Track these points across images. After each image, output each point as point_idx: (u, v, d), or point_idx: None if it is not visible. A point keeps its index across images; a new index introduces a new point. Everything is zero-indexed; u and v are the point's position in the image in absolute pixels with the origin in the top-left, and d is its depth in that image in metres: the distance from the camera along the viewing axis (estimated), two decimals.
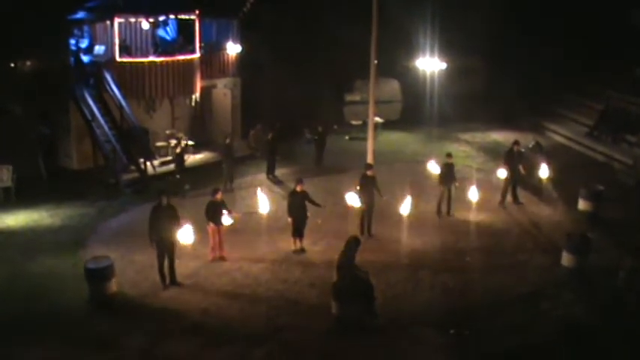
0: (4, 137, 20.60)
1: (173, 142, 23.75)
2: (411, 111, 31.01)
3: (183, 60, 23.95)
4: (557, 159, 24.15)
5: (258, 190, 17.60)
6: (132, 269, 15.23)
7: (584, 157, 25.83)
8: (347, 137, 28.64)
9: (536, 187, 20.63)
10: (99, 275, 13.76)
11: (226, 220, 15.45)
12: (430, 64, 26.07)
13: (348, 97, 30.64)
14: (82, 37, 24.00)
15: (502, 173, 19.57)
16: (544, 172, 19.86)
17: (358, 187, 17.14)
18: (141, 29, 24.34)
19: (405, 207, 17.33)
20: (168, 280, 14.43)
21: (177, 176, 20.86)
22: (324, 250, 16.15)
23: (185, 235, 14.47)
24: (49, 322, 12.92)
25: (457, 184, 19.09)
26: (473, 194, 18.93)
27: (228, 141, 21.82)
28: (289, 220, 16.22)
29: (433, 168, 19.43)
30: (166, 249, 14.27)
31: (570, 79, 31.37)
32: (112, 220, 18.89)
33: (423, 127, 29.72)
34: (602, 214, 18.44)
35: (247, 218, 17.94)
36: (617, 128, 25.91)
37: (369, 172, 17.28)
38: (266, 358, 11.77)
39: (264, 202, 16.67)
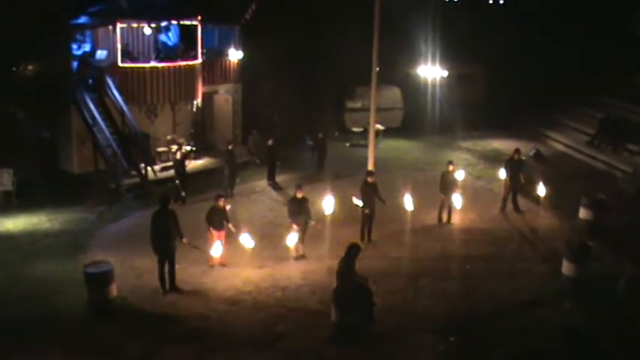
0: (5, 141, 20.61)
1: (174, 147, 23.77)
2: (412, 118, 31.04)
3: (184, 66, 24.00)
4: (558, 167, 24.19)
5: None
6: (132, 274, 15.20)
7: (585, 165, 25.81)
8: (348, 144, 28.65)
9: (535, 197, 20.54)
10: (98, 280, 13.72)
11: (247, 241, 15.80)
12: (431, 72, 26.13)
13: (349, 104, 30.67)
14: (85, 41, 24.05)
15: (502, 174, 19.75)
16: (541, 189, 19.84)
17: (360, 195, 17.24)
18: (143, 34, 24.38)
19: (409, 203, 17.90)
20: (168, 286, 14.38)
21: (177, 182, 20.86)
22: (325, 257, 16.11)
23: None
24: (47, 327, 12.88)
25: (460, 191, 19.08)
26: (456, 201, 19.10)
27: (230, 147, 21.84)
28: (293, 225, 16.17)
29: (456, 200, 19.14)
30: (167, 254, 14.24)
31: (571, 87, 31.41)
32: (112, 224, 18.89)
33: (424, 134, 29.74)
34: (602, 223, 18.39)
35: (247, 224, 17.90)
36: (618, 137, 25.92)
37: (370, 179, 17.27)
38: None
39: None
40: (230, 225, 15.87)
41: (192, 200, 20.37)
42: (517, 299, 14.24)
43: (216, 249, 15.26)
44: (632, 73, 29.36)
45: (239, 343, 12.37)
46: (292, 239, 16.01)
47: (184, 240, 14.54)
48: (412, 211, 18.36)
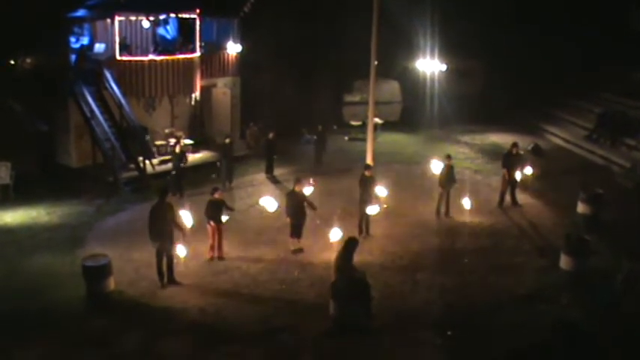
0: (3, 134, 20.59)
1: (172, 140, 23.77)
2: (411, 112, 31.03)
3: (183, 59, 23.97)
4: (556, 162, 24.20)
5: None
6: (130, 267, 15.21)
7: (583, 160, 25.83)
8: (346, 138, 28.65)
9: (529, 187, 20.64)
10: (96, 273, 13.77)
11: (223, 217, 15.62)
12: (430, 66, 26.10)
13: (348, 98, 30.66)
14: (83, 35, 24.00)
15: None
16: (527, 170, 20.01)
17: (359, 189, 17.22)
18: (141, 28, 24.35)
19: (373, 208, 17.23)
20: (166, 279, 14.39)
21: (173, 172, 20.87)
22: (323, 250, 16.12)
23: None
24: (46, 320, 12.90)
25: (457, 185, 19.09)
26: (466, 202, 19.02)
27: (228, 141, 21.84)
28: (288, 219, 16.20)
29: (435, 167, 19.17)
30: (165, 247, 14.24)
31: (569, 82, 31.40)
32: (110, 218, 18.88)
33: (422, 128, 29.74)
34: (600, 217, 18.43)
35: (246, 217, 17.90)
36: (616, 131, 25.95)
37: (367, 173, 17.27)
38: (263, 358, 11.76)
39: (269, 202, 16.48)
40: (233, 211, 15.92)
41: (190, 194, 20.37)
42: (515, 293, 14.27)
43: (180, 250, 14.80)
44: (632, 70, 29.37)
45: (237, 336, 12.39)
46: (335, 233, 15.74)
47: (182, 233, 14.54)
48: (410, 205, 18.37)
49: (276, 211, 16.62)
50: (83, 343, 12.12)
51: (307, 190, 16.77)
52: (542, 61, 31.18)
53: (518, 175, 19.67)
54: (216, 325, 12.83)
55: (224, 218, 15.63)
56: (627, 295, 13.66)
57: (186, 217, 15.27)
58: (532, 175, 20.40)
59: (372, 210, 17.22)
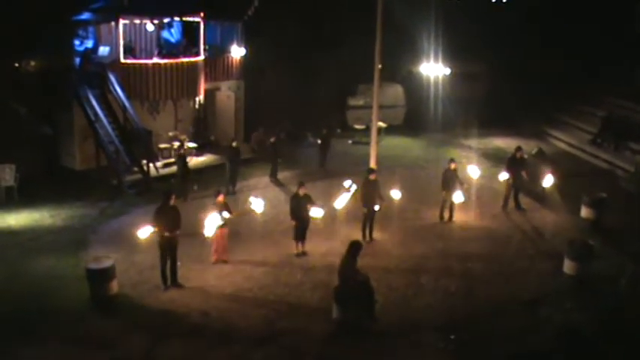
0: (7, 137, 20.62)
1: (176, 144, 23.78)
2: (415, 116, 31.02)
3: (187, 62, 23.99)
4: (560, 166, 24.14)
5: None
6: (133, 270, 15.21)
7: (587, 164, 25.80)
8: (350, 141, 28.65)
9: (538, 194, 20.64)
10: (100, 276, 13.76)
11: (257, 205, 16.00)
12: (434, 69, 26.11)
13: (352, 102, 30.67)
14: (87, 38, 24.05)
15: (503, 176, 19.56)
16: (548, 180, 19.89)
17: (360, 192, 17.18)
18: (145, 31, 24.37)
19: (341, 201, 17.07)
20: (169, 282, 14.41)
21: (181, 179, 20.80)
22: (326, 254, 16.12)
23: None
24: (49, 322, 12.91)
25: (466, 185, 19.05)
26: (457, 197, 18.66)
27: (234, 144, 21.84)
28: (292, 223, 16.17)
29: (473, 172, 19.20)
30: (169, 250, 14.25)
31: (573, 86, 31.37)
32: (114, 220, 18.88)
33: (426, 132, 29.73)
34: (604, 222, 18.41)
35: (249, 220, 17.89)
36: (620, 135, 25.91)
37: (371, 177, 17.25)
38: None
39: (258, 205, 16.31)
40: (235, 213, 15.90)
41: (194, 197, 20.38)
42: (518, 298, 14.25)
43: (144, 231, 14.19)
44: (634, 70, 29.34)
45: (239, 339, 12.39)
46: (340, 201, 16.61)
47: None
48: (414, 209, 18.35)
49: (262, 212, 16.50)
50: (86, 345, 12.14)
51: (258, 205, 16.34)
52: (546, 65, 31.15)
53: (547, 182, 19.74)
54: (219, 328, 12.83)
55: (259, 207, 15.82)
56: (631, 299, 13.64)
57: (208, 225, 15.21)
58: (553, 185, 20.18)
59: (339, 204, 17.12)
